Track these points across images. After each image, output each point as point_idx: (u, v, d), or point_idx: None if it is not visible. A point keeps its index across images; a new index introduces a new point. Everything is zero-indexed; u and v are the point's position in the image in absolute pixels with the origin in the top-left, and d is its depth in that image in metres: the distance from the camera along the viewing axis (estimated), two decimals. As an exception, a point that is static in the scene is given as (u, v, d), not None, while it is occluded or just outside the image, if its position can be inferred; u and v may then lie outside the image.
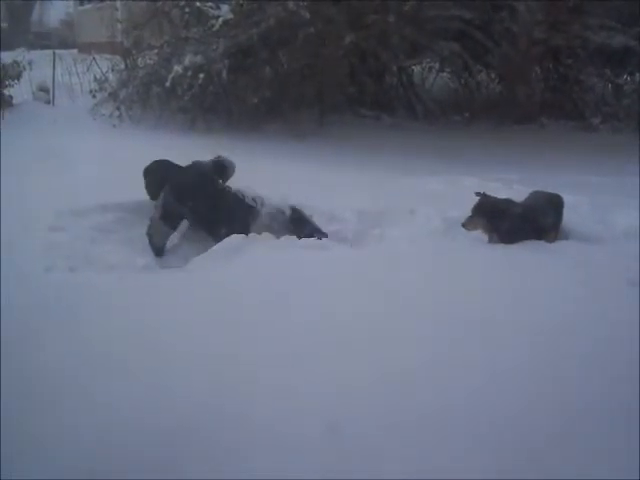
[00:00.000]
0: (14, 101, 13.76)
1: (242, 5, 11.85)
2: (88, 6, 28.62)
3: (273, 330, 3.59)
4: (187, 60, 11.65)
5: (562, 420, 2.87)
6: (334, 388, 3.05)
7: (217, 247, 5.66)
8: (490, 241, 5.48)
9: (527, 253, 5.01)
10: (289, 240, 5.78)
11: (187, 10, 12.79)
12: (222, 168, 6.55)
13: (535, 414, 2.91)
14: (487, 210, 5.39)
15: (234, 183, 6.45)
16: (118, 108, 12.72)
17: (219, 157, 6.60)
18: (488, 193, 5.50)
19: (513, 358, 3.35)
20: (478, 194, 5.47)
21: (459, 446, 2.70)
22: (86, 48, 21.65)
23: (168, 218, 6.10)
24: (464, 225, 5.45)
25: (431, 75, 16.11)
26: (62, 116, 12.97)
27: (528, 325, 3.70)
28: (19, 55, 14.73)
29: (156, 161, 6.59)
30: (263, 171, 7.80)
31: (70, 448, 2.69)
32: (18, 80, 14.14)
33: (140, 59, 13.81)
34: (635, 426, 2.76)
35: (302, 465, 2.61)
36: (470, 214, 5.43)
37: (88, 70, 15.96)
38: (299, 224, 6.09)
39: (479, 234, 5.56)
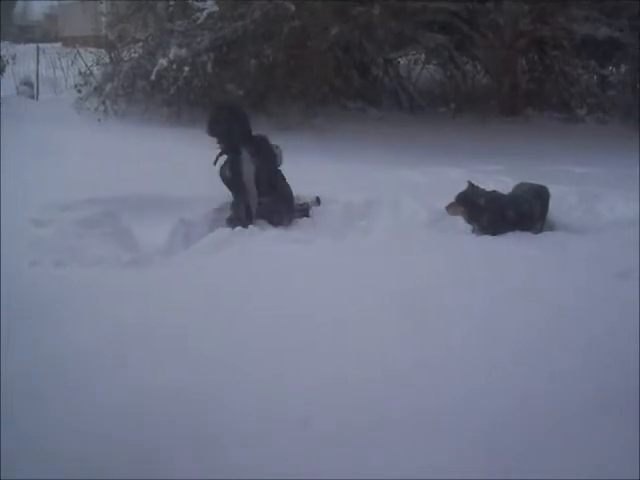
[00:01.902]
0: (-3, 96, 13.67)
1: (227, -3, 11.83)
2: (72, -1, 28.46)
3: (256, 323, 3.58)
4: (172, 53, 11.63)
5: (552, 414, 2.85)
6: (315, 381, 3.04)
7: (203, 241, 5.67)
8: (474, 232, 5.50)
9: (513, 244, 5.02)
10: (275, 233, 5.80)
11: (172, 3, 12.73)
12: None
13: (524, 409, 2.89)
14: (469, 198, 5.43)
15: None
16: (103, 102, 12.66)
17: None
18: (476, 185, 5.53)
19: (499, 352, 3.33)
20: (469, 183, 5.51)
21: (451, 444, 2.69)
22: (70, 42, 21.54)
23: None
24: (446, 208, 5.50)
25: (417, 67, 16.12)
26: (46, 110, 12.90)
27: (514, 318, 3.69)
28: (2, 49, 14.64)
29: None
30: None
31: (57, 442, 2.67)
32: (1, 74, 14.06)
33: (125, 52, 13.75)
34: (628, 421, 2.75)
35: (283, 458, 2.61)
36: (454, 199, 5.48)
37: (72, 64, 15.89)
38: None
39: (465, 226, 5.58)
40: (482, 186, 5.61)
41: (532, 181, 6.00)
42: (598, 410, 2.86)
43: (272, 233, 5.86)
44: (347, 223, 6.06)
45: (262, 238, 5.66)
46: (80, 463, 2.56)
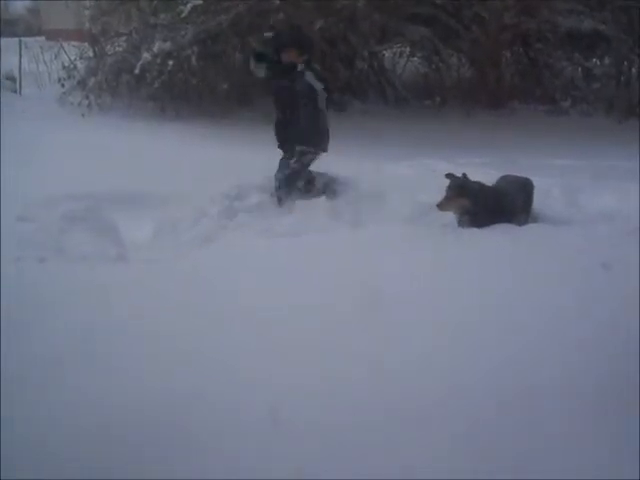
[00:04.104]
0: (-21, 90, 13.58)
1: (211, -9, 11.77)
2: (55, -8, 28.18)
3: (244, 319, 3.58)
4: (156, 47, 11.58)
5: (549, 414, 2.86)
6: (306, 379, 3.04)
7: (190, 236, 5.68)
8: (460, 225, 5.49)
9: (498, 237, 5.02)
10: (261, 227, 5.80)
11: (155, -4, 12.68)
12: None
13: (521, 407, 2.89)
14: (463, 191, 5.39)
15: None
16: (87, 96, 12.62)
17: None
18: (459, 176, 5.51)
19: (484, 347, 3.33)
20: (449, 176, 5.47)
21: (447, 444, 2.69)
22: (53, 35, 21.39)
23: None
24: (439, 206, 5.43)
25: (402, 60, 16.11)
26: (30, 105, 12.83)
27: (500, 310, 3.70)
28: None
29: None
30: (235, 157, 7.77)
31: (55, 443, 2.67)
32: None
33: (109, 46, 13.70)
34: (628, 420, 2.76)
35: (275, 457, 2.62)
36: (445, 195, 5.42)
37: (56, 58, 15.78)
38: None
39: (451, 219, 5.57)
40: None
41: (517, 173, 6.02)
42: (597, 409, 2.87)
43: (258, 226, 5.86)
44: (332, 217, 6.06)
45: (248, 232, 5.67)
46: (80, 463, 2.57)
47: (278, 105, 6.67)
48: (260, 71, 6.68)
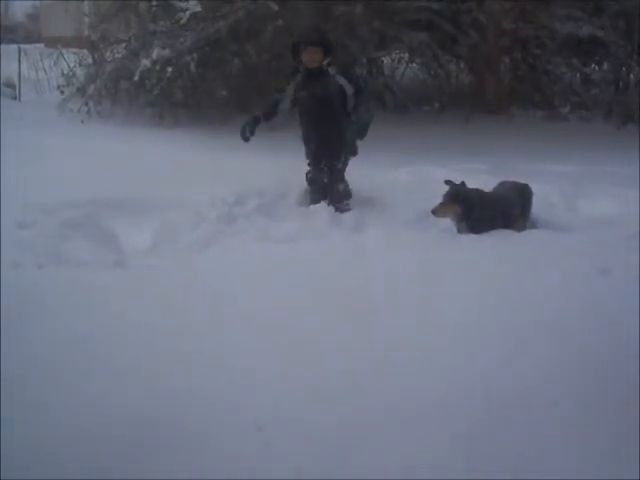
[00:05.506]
0: (-21, 97, 13.60)
1: (210, -3, 11.81)
2: (54, -1, 28.22)
3: (243, 323, 3.58)
4: (155, 54, 11.59)
5: (549, 413, 2.86)
6: (309, 381, 3.04)
7: (188, 241, 5.68)
8: (459, 231, 5.50)
9: (496, 242, 5.03)
10: (262, 232, 5.80)
11: (154, 3, 12.71)
12: None
13: (507, 408, 2.89)
14: (457, 198, 5.41)
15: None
16: (86, 103, 12.63)
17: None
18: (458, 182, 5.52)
19: (484, 348, 3.34)
20: (448, 182, 5.48)
21: (445, 444, 2.69)
22: (53, 42, 21.42)
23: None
24: (434, 212, 5.45)
25: (401, 66, 16.13)
26: (29, 112, 12.84)
27: (499, 314, 3.70)
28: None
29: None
30: (234, 163, 7.77)
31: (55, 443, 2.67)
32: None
33: (108, 53, 13.72)
34: (628, 419, 2.76)
35: (274, 458, 2.62)
36: (441, 201, 5.44)
37: (55, 65, 15.80)
38: None
39: (449, 225, 5.58)
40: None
41: (516, 179, 6.02)
42: (597, 409, 2.87)
43: (257, 232, 5.86)
44: (331, 223, 6.06)
45: (246, 237, 5.67)
46: (80, 463, 2.57)
47: (311, 118, 6.52)
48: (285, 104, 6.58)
